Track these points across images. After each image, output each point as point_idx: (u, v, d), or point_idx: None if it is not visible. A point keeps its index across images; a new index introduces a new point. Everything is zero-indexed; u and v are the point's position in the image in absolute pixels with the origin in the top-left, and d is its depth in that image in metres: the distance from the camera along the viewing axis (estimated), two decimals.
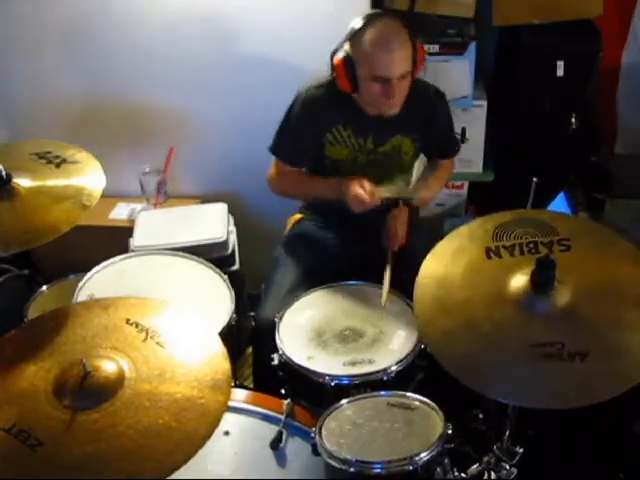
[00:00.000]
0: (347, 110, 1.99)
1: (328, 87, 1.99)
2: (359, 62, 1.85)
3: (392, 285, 1.91)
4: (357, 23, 1.85)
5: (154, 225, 2.34)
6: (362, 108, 1.99)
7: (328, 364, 1.70)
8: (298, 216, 2.27)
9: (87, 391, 1.30)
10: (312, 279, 2.00)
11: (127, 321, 1.47)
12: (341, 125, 2.00)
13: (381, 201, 1.96)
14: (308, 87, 2.02)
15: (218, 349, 1.42)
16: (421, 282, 1.48)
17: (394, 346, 1.75)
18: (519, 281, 1.40)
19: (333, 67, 1.91)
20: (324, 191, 2.07)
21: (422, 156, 2.26)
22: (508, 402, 1.50)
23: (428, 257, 1.53)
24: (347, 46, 1.87)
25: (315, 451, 1.51)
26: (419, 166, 2.30)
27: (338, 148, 2.04)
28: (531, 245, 1.48)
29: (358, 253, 2.11)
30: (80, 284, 1.97)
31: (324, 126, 2.01)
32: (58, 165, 1.84)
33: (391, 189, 2.00)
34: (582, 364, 1.27)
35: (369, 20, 1.84)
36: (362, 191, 1.92)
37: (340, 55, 1.88)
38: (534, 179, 1.75)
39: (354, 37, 1.85)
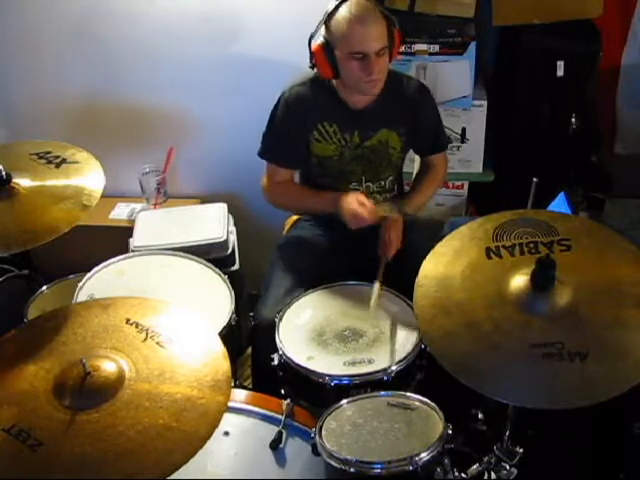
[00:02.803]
0: (332, 105, 2.00)
1: (311, 84, 2.01)
2: (336, 43, 1.86)
3: (391, 286, 1.92)
4: (330, 7, 1.87)
5: (154, 225, 2.35)
6: (346, 102, 2.00)
7: (328, 364, 1.71)
8: (295, 217, 2.27)
9: (87, 391, 1.30)
10: (310, 279, 1.99)
11: (127, 321, 1.47)
12: (326, 121, 2.01)
13: (379, 201, 1.95)
14: (291, 86, 2.03)
15: (218, 349, 1.42)
16: (421, 282, 1.48)
17: (394, 346, 1.75)
18: (519, 281, 1.40)
19: (312, 55, 1.91)
20: (319, 205, 2.07)
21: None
22: (508, 402, 1.50)
23: (428, 257, 1.53)
24: (322, 31, 1.88)
25: (315, 451, 1.50)
26: (417, 167, 2.31)
27: (324, 145, 2.04)
28: (531, 245, 1.48)
29: (354, 254, 2.10)
30: (80, 284, 1.97)
31: (310, 123, 2.01)
32: (58, 165, 1.84)
33: (388, 208, 1.99)
34: (582, 364, 1.27)
35: (341, 2, 1.85)
36: (361, 208, 1.91)
37: (317, 42, 1.89)
38: (534, 179, 1.75)
39: (328, 19, 1.87)
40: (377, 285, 1.89)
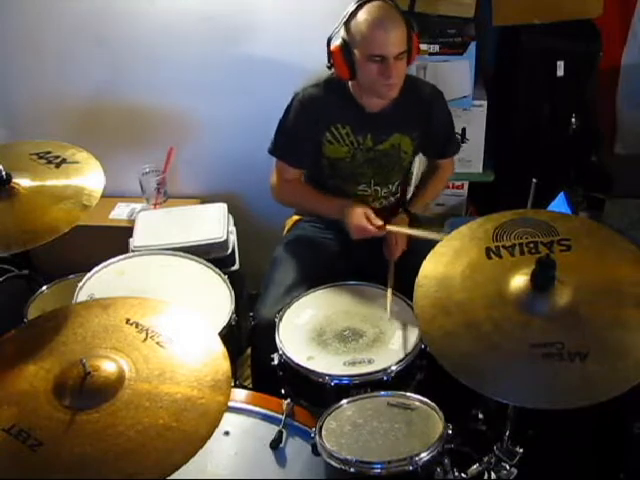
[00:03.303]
0: (345, 108, 2.00)
1: (325, 85, 2.00)
2: (355, 45, 1.86)
3: (393, 288, 1.92)
4: (351, 8, 1.86)
5: (154, 225, 2.35)
6: (361, 105, 1.99)
7: (328, 364, 1.70)
8: (296, 217, 2.27)
9: (87, 391, 1.30)
10: (310, 279, 1.99)
11: (127, 321, 1.47)
12: (339, 123, 2.00)
13: (385, 204, 1.96)
14: (305, 87, 2.02)
15: (218, 349, 1.42)
16: (421, 282, 1.48)
17: (394, 346, 1.75)
18: (519, 281, 1.40)
19: (330, 55, 1.91)
20: (326, 210, 2.08)
21: (421, 156, 2.27)
22: (508, 402, 1.50)
23: (428, 257, 1.53)
24: (342, 31, 1.88)
25: (315, 451, 1.51)
26: (419, 167, 2.31)
27: (337, 146, 2.03)
28: (531, 245, 1.48)
29: (356, 253, 2.11)
30: (80, 284, 1.97)
31: (323, 125, 2.01)
32: (58, 165, 1.84)
33: (398, 225, 2.00)
34: (582, 364, 1.27)
35: (362, 3, 1.85)
36: (368, 223, 1.93)
37: (336, 42, 1.89)
38: (533, 180, 1.75)
39: (348, 21, 1.86)
40: (390, 292, 1.90)
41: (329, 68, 1.95)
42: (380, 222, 1.96)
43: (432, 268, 1.50)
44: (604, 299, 1.38)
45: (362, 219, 1.95)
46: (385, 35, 1.81)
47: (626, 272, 1.43)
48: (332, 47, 1.90)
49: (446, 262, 1.50)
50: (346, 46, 1.86)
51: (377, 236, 1.97)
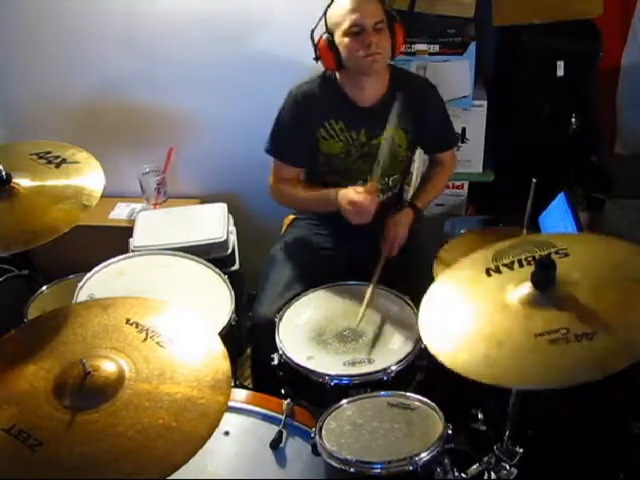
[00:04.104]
0: (339, 103, 2.01)
1: (318, 82, 2.02)
2: (334, 28, 1.89)
3: (392, 286, 1.92)
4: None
5: (154, 225, 2.35)
6: (352, 100, 2.00)
7: (328, 364, 1.70)
8: (292, 216, 2.27)
9: (87, 391, 1.30)
10: (307, 277, 2.00)
11: (127, 321, 1.47)
12: (333, 119, 2.01)
13: (381, 199, 1.93)
14: (299, 84, 2.04)
15: (218, 349, 1.42)
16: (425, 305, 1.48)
17: (394, 346, 1.75)
18: (520, 285, 1.40)
19: (315, 47, 1.94)
20: (322, 202, 2.03)
21: (423, 157, 2.27)
22: (524, 389, 1.48)
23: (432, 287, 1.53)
24: (323, 22, 1.92)
25: (315, 451, 1.51)
26: (418, 166, 2.31)
27: (331, 143, 2.04)
28: (530, 259, 1.48)
29: (353, 251, 2.11)
30: (80, 284, 1.97)
31: (317, 121, 2.01)
32: (58, 165, 1.84)
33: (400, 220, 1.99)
34: (590, 343, 1.25)
35: None
36: (358, 195, 1.88)
37: (319, 33, 1.92)
38: (533, 180, 1.75)
39: (327, 9, 1.91)
40: (371, 288, 1.89)
41: (315, 60, 1.97)
42: (367, 187, 1.90)
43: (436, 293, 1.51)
44: (606, 286, 1.37)
45: (351, 194, 1.89)
46: (358, 7, 1.85)
47: (627, 260, 1.43)
48: (316, 39, 1.93)
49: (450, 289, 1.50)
50: (328, 34, 1.90)
51: (372, 209, 1.89)
